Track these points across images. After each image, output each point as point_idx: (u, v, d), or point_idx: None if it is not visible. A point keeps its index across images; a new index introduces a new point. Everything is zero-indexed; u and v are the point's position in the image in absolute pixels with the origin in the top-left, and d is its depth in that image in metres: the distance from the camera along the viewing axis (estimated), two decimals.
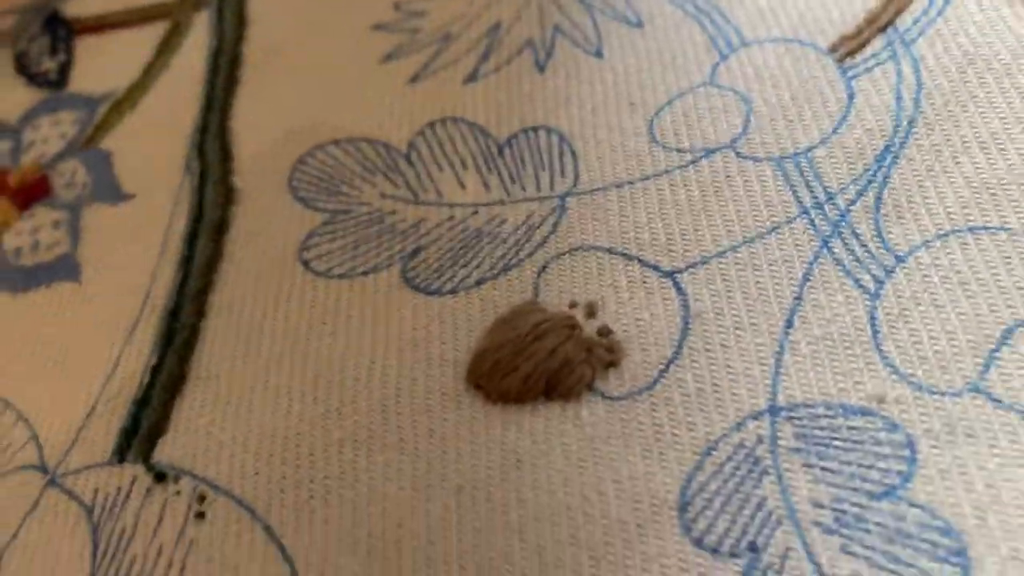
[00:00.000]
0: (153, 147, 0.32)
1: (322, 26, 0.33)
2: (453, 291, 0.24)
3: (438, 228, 0.26)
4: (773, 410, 0.20)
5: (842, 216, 0.22)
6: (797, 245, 0.22)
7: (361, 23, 0.33)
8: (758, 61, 0.26)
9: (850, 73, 0.25)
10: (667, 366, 0.21)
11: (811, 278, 0.22)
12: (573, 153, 0.26)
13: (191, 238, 0.28)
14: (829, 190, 0.23)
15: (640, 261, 0.23)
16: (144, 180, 0.31)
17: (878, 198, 0.22)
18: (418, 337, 0.24)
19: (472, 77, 0.29)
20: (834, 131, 0.24)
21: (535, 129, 0.27)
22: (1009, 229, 0.21)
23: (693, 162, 0.25)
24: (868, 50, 0.25)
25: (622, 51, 0.28)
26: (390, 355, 0.23)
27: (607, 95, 0.27)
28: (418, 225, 0.26)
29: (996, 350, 0.19)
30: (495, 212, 0.26)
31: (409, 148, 0.28)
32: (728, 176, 0.24)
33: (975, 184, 0.22)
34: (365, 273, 0.26)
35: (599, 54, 0.29)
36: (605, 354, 0.22)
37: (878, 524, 0.18)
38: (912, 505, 0.18)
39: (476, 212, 0.26)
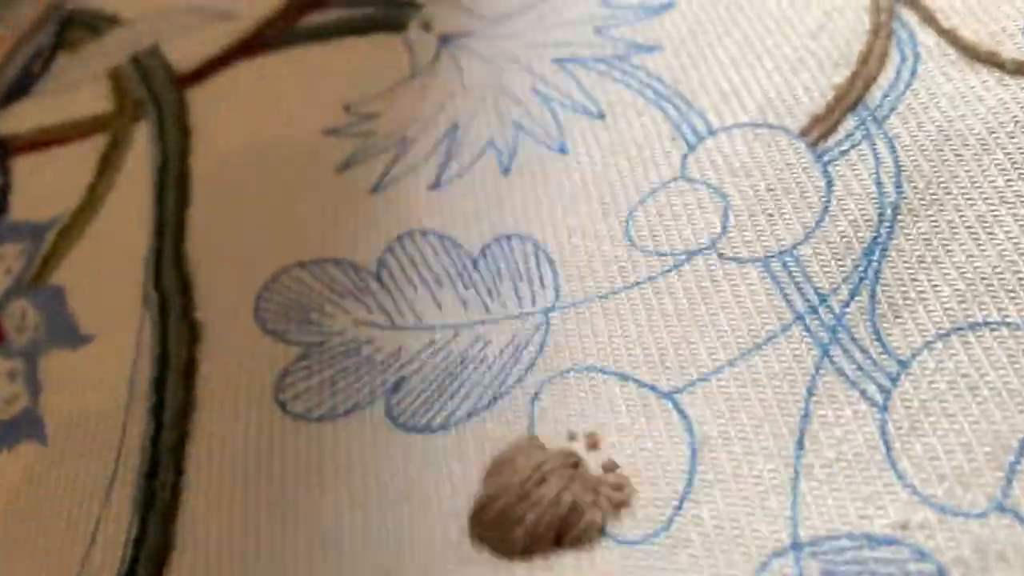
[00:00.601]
0: (108, 279, 0.31)
1: (271, 133, 0.32)
2: (444, 426, 0.23)
3: (419, 355, 0.25)
4: (796, 546, 0.19)
5: (838, 320, 0.22)
6: (796, 356, 0.22)
7: (312, 128, 0.32)
8: (727, 150, 0.26)
9: (825, 158, 0.24)
10: (680, 502, 0.20)
11: (815, 392, 0.21)
12: (550, 261, 0.26)
13: (159, 383, 0.27)
14: (821, 292, 0.22)
15: (636, 382, 0.22)
16: (102, 318, 0.30)
17: (872, 297, 0.22)
18: (413, 486, 0.22)
19: (436, 184, 0.28)
20: (817, 224, 0.23)
21: (508, 237, 0.26)
22: (1010, 323, 0.20)
23: (676, 267, 0.24)
24: (841, 131, 0.25)
25: (586, 145, 0.28)
26: (385, 509, 0.22)
27: (576, 195, 0.27)
28: (397, 353, 0.25)
29: (1016, 462, 0.19)
30: (477, 333, 0.25)
31: (379, 267, 0.27)
32: (714, 281, 0.23)
33: (969, 275, 0.21)
34: (348, 412, 0.25)
35: (563, 150, 0.28)
36: (614, 493, 0.21)
37: None
38: None
39: (457, 335, 0.25)
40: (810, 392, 0.21)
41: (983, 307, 0.21)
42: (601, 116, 0.28)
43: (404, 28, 0.33)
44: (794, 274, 0.23)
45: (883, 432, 0.20)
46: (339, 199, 0.29)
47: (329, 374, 0.25)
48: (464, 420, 0.23)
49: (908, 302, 0.22)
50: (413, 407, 0.24)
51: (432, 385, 0.24)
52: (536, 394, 0.23)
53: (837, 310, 0.22)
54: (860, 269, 0.22)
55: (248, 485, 0.24)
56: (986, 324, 0.21)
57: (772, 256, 0.23)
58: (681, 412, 0.22)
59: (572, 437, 0.22)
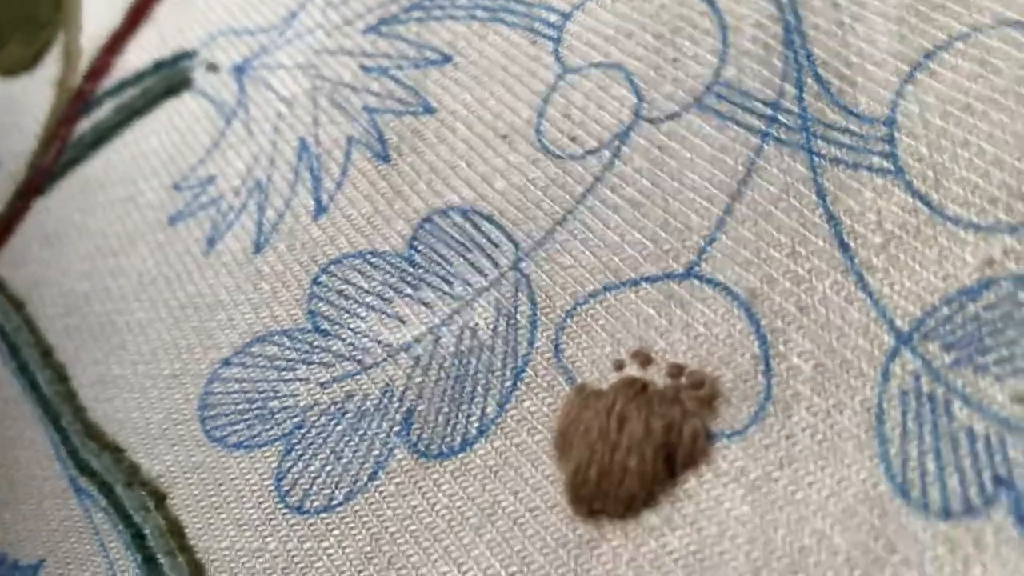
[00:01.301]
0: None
1: (108, 260, 0.28)
2: (482, 432, 0.21)
3: (412, 379, 0.22)
4: (903, 339, 0.18)
5: (803, 117, 0.20)
6: (787, 170, 0.20)
7: (152, 226, 0.28)
8: (594, 23, 0.24)
9: None
10: (766, 363, 0.19)
11: (826, 192, 0.20)
12: (486, 217, 0.23)
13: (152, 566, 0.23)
14: (769, 100, 0.21)
15: (647, 280, 0.20)
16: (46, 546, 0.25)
17: (819, 80, 0.21)
18: (489, 511, 0.20)
19: (320, 209, 0.25)
20: (725, 44, 0.22)
21: (427, 220, 0.24)
22: (965, 33, 0.20)
23: (615, 156, 0.22)
24: None
25: (451, 94, 0.25)
26: (474, 548, 0.19)
27: (470, 145, 0.24)
28: (388, 389, 0.22)
29: None
30: (458, 324, 0.22)
31: (311, 318, 0.24)
32: (661, 147, 0.22)
33: (895, 9, 0.21)
34: (371, 476, 0.21)
35: (429, 110, 0.25)
36: (698, 392, 0.19)
37: None
38: None
39: (438, 337, 0.22)
40: (821, 195, 0.20)
41: (926, 34, 0.20)
42: (448, 59, 0.26)
43: (189, 82, 0.30)
44: (734, 99, 0.21)
45: (913, 191, 0.19)
46: (223, 277, 0.26)
47: (328, 450, 0.22)
48: (498, 414, 0.21)
49: (854, 65, 0.20)
50: (435, 431, 0.21)
51: (444, 400, 0.21)
52: (557, 346, 0.21)
53: (796, 108, 0.21)
54: (792, 61, 0.21)
55: None
56: (945, 47, 0.20)
57: (703, 95, 0.22)
58: (711, 282, 0.20)
59: (620, 366, 0.20)
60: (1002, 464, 0.16)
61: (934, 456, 0.17)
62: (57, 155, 0.31)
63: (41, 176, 0.30)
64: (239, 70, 0.29)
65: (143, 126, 0.29)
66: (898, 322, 0.18)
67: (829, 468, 0.17)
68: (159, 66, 0.31)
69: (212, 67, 0.29)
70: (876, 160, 0.19)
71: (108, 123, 0.30)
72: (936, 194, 0.19)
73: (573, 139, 0.23)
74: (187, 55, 0.30)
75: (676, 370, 0.19)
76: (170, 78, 0.30)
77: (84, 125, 0.31)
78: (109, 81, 0.31)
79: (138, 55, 0.31)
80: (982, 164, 0.18)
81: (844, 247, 0.19)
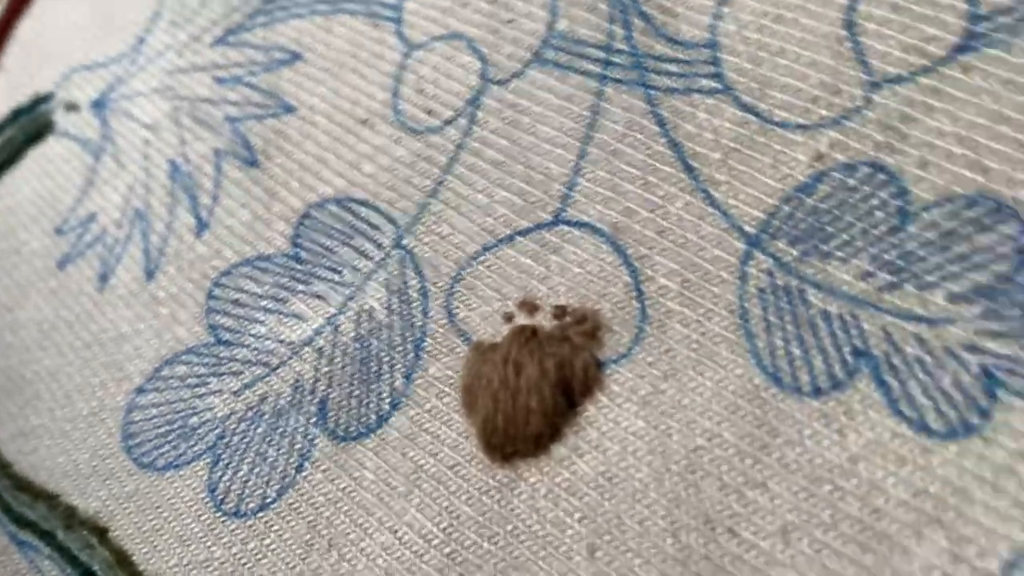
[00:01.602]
0: None
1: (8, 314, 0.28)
2: (395, 405, 0.22)
3: (319, 370, 0.23)
4: (753, 243, 0.19)
5: (635, 56, 0.22)
6: (628, 107, 0.21)
7: (41, 272, 0.28)
8: None
9: None
10: (637, 289, 0.20)
11: (666, 122, 0.21)
12: (362, 202, 0.24)
13: None
14: (600, 44, 0.22)
15: (521, 234, 0.22)
16: None
17: (643, 15, 0.22)
18: (414, 480, 0.21)
19: (202, 225, 0.26)
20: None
21: (305, 216, 0.24)
22: None
23: (472, 122, 0.23)
24: None
25: (307, 91, 0.26)
26: (410, 514, 0.20)
27: (334, 137, 0.25)
28: (298, 384, 0.23)
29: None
30: (353, 309, 0.23)
31: (213, 332, 0.24)
32: (513, 105, 0.23)
33: None
34: (298, 468, 0.22)
35: (289, 109, 0.26)
36: (582, 327, 0.20)
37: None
38: None
39: (337, 327, 0.23)
40: (662, 125, 0.21)
41: None
42: (298, 57, 0.26)
43: (51, 125, 0.30)
44: (570, 50, 0.22)
45: (742, 105, 0.20)
46: (125, 306, 0.26)
47: (252, 454, 0.23)
48: (406, 386, 0.22)
49: None
50: (351, 414, 0.22)
51: (354, 384, 0.22)
52: (449, 312, 0.22)
53: (627, 48, 0.22)
54: (617, 3, 0.22)
55: None
56: None
57: (541, 50, 0.23)
58: (578, 224, 0.21)
59: (510, 317, 0.21)
60: (858, 338, 0.18)
61: (797, 342, 0.18)
62: None
63: None
64: (98, 105, 0.29)
65: (13, 177, 0.29)
66: (746, 228, 0.19)
67: (708, 372, 0.19)
68: (17, 114, 0.31)
69: (71, 106, 0.29)
70: (705, 83, 0.21)
71: None
72: (763, 104, 0.20)
73: (429, 112, 0.24)
74: (44, 98, 0.30)
75: (560, 311, 0.20)
76: (31, 125, 0.30)
77: None
78: None
79: None
80: (800, 68, 0.20)
81: (689, 169, 0.20)
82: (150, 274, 0.26)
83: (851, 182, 0.19)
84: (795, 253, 0.19)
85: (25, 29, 0.31)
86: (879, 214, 0.18)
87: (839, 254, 0.18)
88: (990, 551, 0.16)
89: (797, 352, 0.18)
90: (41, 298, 0.27)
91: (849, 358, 0.18)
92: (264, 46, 0.27)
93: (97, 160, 0.28)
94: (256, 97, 0.26)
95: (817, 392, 0.18)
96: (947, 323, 0.17)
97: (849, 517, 0.17)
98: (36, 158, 0.30)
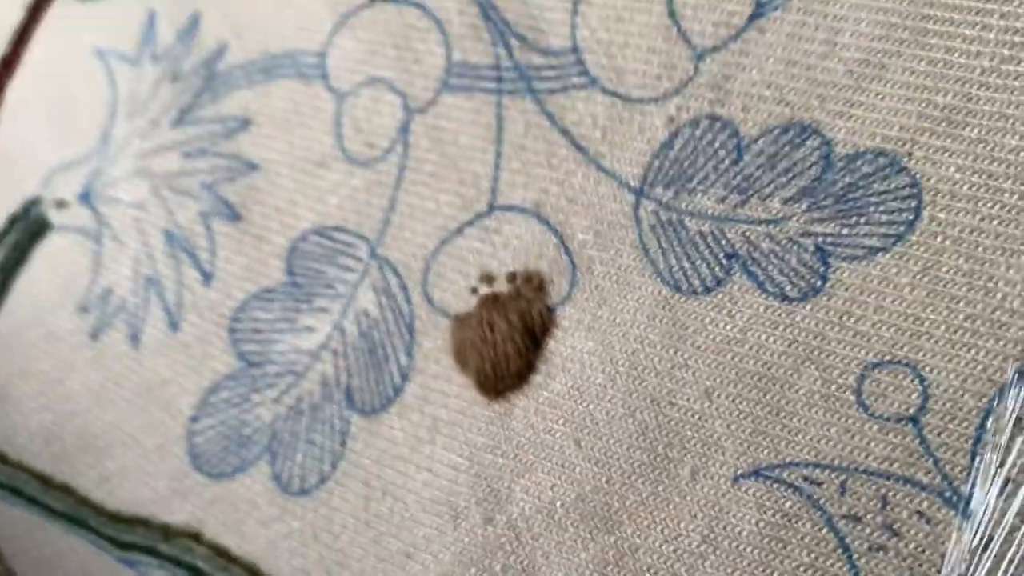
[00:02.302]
0: None
1: (39, 352, 0.33)
2: (405, 377, 0.28)
3: (338, 364, 0.29)
4: (638, 193, 0.26)
5: (532, 73, 0.28)
6: (521, 111, 0.28)
7: (74, 346, 0.33)
8: (350, 44, 0.30)
9: None
10: (564, 246, 0.26)
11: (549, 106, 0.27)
12: (336, 228, 0.30)
13: None
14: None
15: (469, 224, 0.28)
16: None
17: (508, 25, 0.28)
18: (429, 427, 0.27)
19: (207, 278, 0.31)
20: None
21: (292, 249, 0.30)
22: None
23: (405, 148, 0.29)
24: None
25: (265, 149, 0.31)
26: (437, 452, 0.27)
27: (301, 182, 0.31)
28: (325, 380, 0.29)
29: None
30: (353, 312, 0.29)
31: (242, 359, 0.30)
32: (436, 128, 0.29)
33: None
34: (343, 444, 0.28)
35: (255, 167, 0.31)
36: (530, 283, 0.26)
37: None
38: None
39: (343, 328, 0.29)
40: (551, 119, 0.27)
41: None
42: (249, 122, 0.32)
43: (48, 224, 0.35)
44: (468, 74, 0.28)
45: (607, 91, 0.27)
46: (161, 355, 0.32)
47: (302, 443, 0.29)
48: (409, 361, 0.28)
49: (537, 17, 0.28)
50: (372, 393, 0.28)
51: (368, 370, 0.28)
52: (428, 297, 0.28)
53: (511, 64, 0.28)
54: (495, 30, 0.28)
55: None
56: None
57: (446, 79, 0.29)
58: (508, 208, 0.27)
59: (475, 291, 0.27)
60: (727, 245, 0.25)
61: (686, 258, 0.25)
62: None
63: None
64: (85, 197, 0.34)
65: (27, 275, 0.35)
66: (631, 183, 0.26)
67: (628, 294, 0.25)
68: (13, 220, 0.36)
69: (61, 203, 0.35)
70: (576, 79, 0.27)
71: None
72: (622, 88, 0.26)
73: (371, 146, 0.30)
74: (33, 202, 0.35)
75: (512, 277, 0.27)
76: (29, 227, 0.35)
77: None
78: None
79: None
80: (643, 55, 0.26)
81: (580, 148, 0.27)
82: (175, 326, 0.31)
83: (697, 133, 0.25)
84: (670, 194, 0.25)
85: None
86: (722, 152, 0.25)
87: (700, 188, 0.25)
88: (847, 369, 0.23)
89: (687, 265, 0.25)
90: (85, 366, 0.33)
91: (724, 260, 0.25)
92: (217, 118, 0.32)
93: (99, 244, 0.34)
94: (222, 163, 0.32)
95: (707, 290, 0.25)
96: (785, 220, 0.24)
97: (748, 371, 0.24)
98: (43, 255, 0.35)
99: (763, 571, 0.23)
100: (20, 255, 0.35)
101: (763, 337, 0.24)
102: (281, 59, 0.32)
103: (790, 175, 0.24)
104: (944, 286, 0.22)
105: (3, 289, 0.35)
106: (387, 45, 0.30)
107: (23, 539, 0.32)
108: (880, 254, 0.23)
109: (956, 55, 0.23)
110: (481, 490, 0.26)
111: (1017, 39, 0.23)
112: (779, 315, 0.24)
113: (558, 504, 0.25)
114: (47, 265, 0.34)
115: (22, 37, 0.36)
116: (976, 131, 0.23)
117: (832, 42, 0.24)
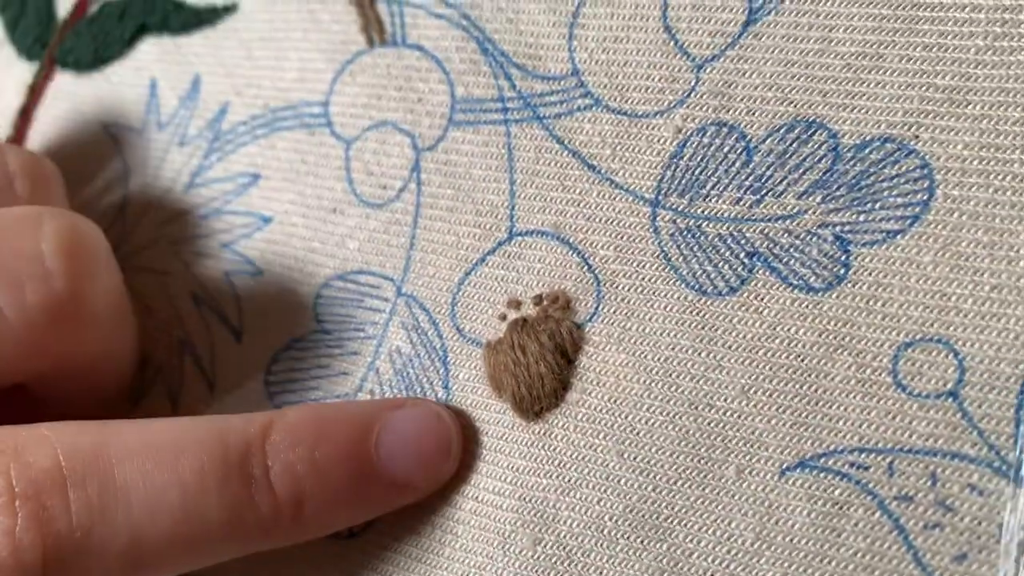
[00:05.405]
0: None
1: None
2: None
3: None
4: (654, 204, 0.26)
5: (535, 103, 0.29)
6: (530, 138, 0.28)
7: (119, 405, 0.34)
8: (349, 95, 0.31)
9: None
10: (587, 264, 0.27)
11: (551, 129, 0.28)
12: (360, 271, 0.30)
13: None
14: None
15: (489, 253, 0.28)
16: None
17: (506, 54, 0.29)
18: (474, 453, 0.27)
19: (237, 335, 0.32)
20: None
21: (318, 296, 0.31)
22: None
23: (418, 184, 0.30)
24: None
25: (278, 201, 0.32)
26: (484, 479, 0.27)
27: (325, 236, 0.31)
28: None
29: None
30: (385, 351, 0.29)
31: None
32: (447, 152, 0.29)
33: None
34: None
35: (268, 220, 0.32)
36: (557, 304, 0.27)
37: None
38: None
39: (378, 368, 0.29)
40: (560, 143, 0.28)
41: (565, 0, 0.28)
42: (258, 177, 0.32)
43: None
44: (473, 108, 0.29)
45: (612, 110, 0.27)
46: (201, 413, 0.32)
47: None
48: (447, 394, 0.28)
49: (534, 44, 0.29)
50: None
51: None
52: (458, 329, 0.28)
53: (515, 94, 0.29)
54: (494, 63, 0.29)
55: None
56: (582, 1, 0.28)
57: (451, 115, 0.29)
58: (528, 233, 0.28)
59: (503, 317, 0.28)
60: (747, 244, 0.25)
61: (708, 261, 0.26)
62: None
63: None
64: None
65: None
66: (647, 195, 0.26)
67: (655, 303, 0.26)
68: None
69: None
70: (580, 101, 0.28)
71: None
72: (627, 105, 0.27)
73: (384, 187, 0.30)
74: None
75: (538, 299, 0.27)
76: None
77: None
78: None
79: None
80: (643, 70, 0.27)
81: (591, 167, 0.27)
82: (211, 385, 0.32)
83: (706, 140, 0.26)
84: (685, 202, 0.26)
85: None
86: (731, 156, 0.26)
87: (714, 192, 0.26)
88: (880, 352, 0.23)
89: (710, 268, 0.25)
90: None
91: (745, 259, 0.25)
92: (227, 177, 0.33)
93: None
94: (237, 220, 0.33)
95: (732, 290, 0.25)
96: (802, 213, 0.25)
97: (782, 365, 0.24)
98: None
99: (820, 561, 0.23)
100: None
101: (793, 330, 0.24)
102: (283, 112, 0.32)
103: (801, 170, 0.25)
104: (966, 260, 0.23)
105: None
106: (389, 88, 0.31)
107: None
108: (899, 236, 0.24)
109: (950, 38, 0.24)
110: (527, 512, 0.26)
111: (1008, 16, 0.23)
112: (806, 306, 0.24)
113: (606, 518, 0.25)
114: None
115: (25, 117, 0.37)
116: (979, 108, 0.23)
117: (827, 39, 0.25)
